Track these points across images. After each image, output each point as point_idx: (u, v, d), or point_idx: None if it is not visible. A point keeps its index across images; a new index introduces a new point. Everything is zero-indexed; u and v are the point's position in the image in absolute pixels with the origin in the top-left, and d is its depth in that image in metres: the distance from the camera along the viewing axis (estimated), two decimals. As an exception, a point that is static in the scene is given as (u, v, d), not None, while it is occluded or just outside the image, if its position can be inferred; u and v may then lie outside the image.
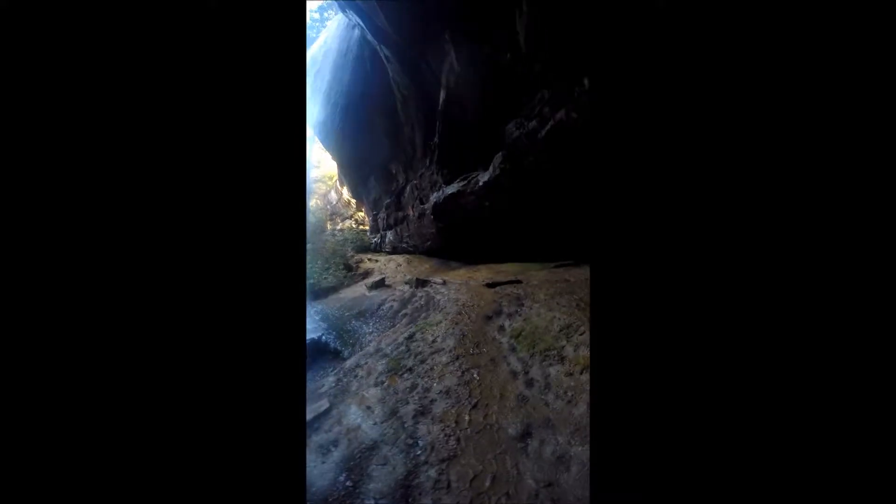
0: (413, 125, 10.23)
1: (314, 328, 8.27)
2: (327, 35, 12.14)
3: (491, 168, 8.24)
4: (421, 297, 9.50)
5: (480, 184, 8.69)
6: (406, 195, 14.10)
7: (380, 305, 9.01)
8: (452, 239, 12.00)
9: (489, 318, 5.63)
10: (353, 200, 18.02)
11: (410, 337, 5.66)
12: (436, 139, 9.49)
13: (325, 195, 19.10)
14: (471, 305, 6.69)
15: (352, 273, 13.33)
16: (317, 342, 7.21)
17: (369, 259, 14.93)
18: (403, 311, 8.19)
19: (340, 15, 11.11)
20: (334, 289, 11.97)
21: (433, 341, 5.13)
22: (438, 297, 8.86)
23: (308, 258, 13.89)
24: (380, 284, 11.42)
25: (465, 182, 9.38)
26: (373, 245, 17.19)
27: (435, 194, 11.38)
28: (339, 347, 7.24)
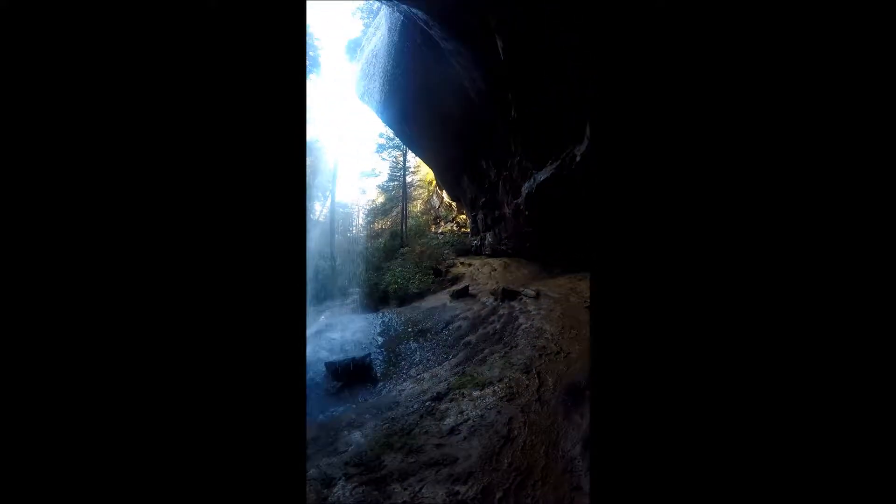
0: (490, 105, 7.66)
1: (369, 343, 6.63)
2: (375, 38, 10.39)
3: (588, 132, 5.05)
4: (501, 315, 6.85)
5: (578, 159, 5.54)
6: (500, 192, 11.51)
7: (447, 324, 6.78)
8: (552, 239, 8.91)
9: (575, 394, 2.70)
10: (454, 203, 16.34)
11: (437, 400, 3.25)
12: (513, 113, 6.68)
13: (428, 199, 18.05)
14: (554, 352, 3.80)
15: (441, 278, 11.52)
16: (360, 362, 5.54)
17: (463, 263, 12.96)
18: (467, 339, 5.75)
19: (383, 11, 9.24)
20: (419, 295, 10.35)
21: (451, 431, 2.58)
22: (521, 319, 6.07)
23: (399, 263, 12.76)
24: (463, 294, 9.21)
25: (559, 163, 6.33)
26: (473, 247, 15.16)
27: (526, 184, 8.58)
28: (378, 374, 5.36)
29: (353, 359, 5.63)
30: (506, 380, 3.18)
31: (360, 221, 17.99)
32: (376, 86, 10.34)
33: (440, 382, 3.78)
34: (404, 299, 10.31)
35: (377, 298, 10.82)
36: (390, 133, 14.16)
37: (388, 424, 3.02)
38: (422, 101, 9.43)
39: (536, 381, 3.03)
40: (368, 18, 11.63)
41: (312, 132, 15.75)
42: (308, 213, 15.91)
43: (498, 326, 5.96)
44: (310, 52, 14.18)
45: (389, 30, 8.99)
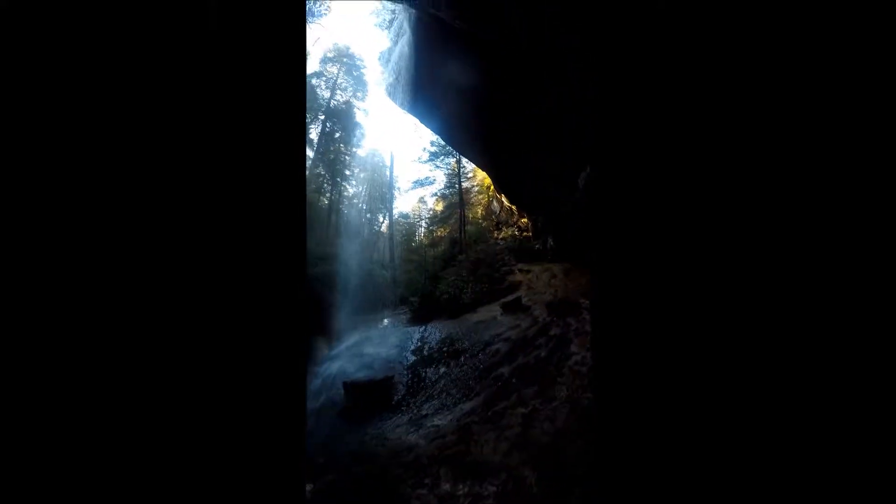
0: (520, 93, 6.15)
1: (399, 362, 5.76)
2: (401, 41, 9.52)
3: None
4: (551, 338, 5.25)
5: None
6: (557, 189, 9.69)
7: (486, 345, 5.46)
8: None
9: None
10: (514, 206, 14.74)
11: (410, 470, 2.08)
12: (547, 102, 5.11)
13: (487, 205, 16.68)
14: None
15: (496, 287, 10.14)
16: (379, 385, 4.86)
17: (521, 270, 11.36)
18: (500, 371, 4.37)
19: (400, 15, 8.36)
20: (471, 306, 9.17)
21: None
22: (573, 346, 4.43)
23: (454, 271, 11.74)
24: (514, 306, 7.70)
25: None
26: (536, 251, 13.37)
27: (582, 175, 6.80)
28: (396, 399, 4.52)
29: (372, 380, 4.80)
30: (504, 475, 1.83)
31: (423, 230, 17.64)
32: (403, 83, 9.64)
33: (433, 440, 2.65)
34: (455, 310, 9.24)
35: (430, 309, 9.98)
36: (441, 141, 13.47)
37: (345, 485, 2.09)
38: (450, 93, 8.35)
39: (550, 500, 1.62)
40: (391, 25, 11.20)
41: (369, 146, 15.94)
42: (373, 224, 16.12)
43: (542, 355, 4.44)
44: (353, 72, 14.43)
45: (409, 27, 8.24)
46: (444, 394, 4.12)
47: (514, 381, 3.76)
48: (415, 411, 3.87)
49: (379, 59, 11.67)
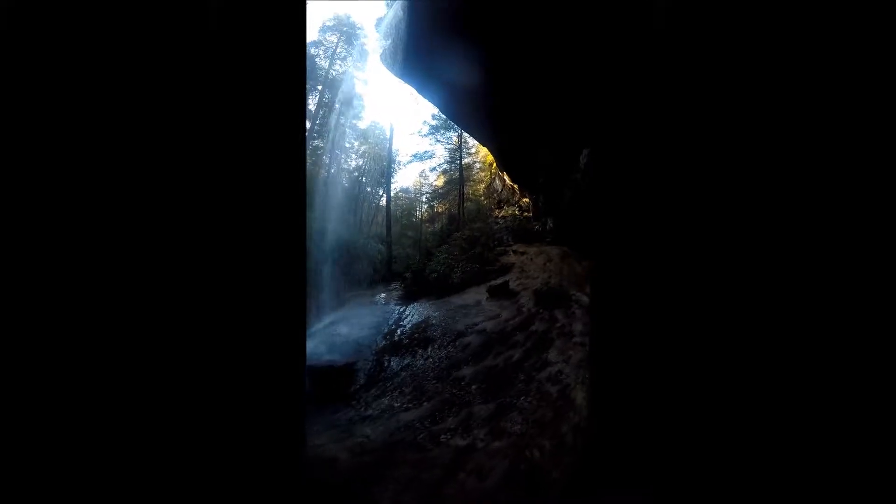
0: (516, 59, 5.11)
1: (368, 346, 5.30)
2: (393, 9, 8.17)
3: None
4: (531, 334, 4.59)
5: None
6: (559, 167, 8.68)
7: (458, 336, 4.88)
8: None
9: None
10: (516, 185, 13.69)
11: (310, 489, 1.54)
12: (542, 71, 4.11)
13: (489, 183, 15.61)
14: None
15: (488, 268, 9.47)
16: (339, 371, 4.33)
17: (516, 251, 10.62)
18: (462, 373, 3.78)
19: None
20: (460, 287, 8.59)
21: None
22: (552, 351, 3.79)
23: (447, 248, 11.07)
24: (501, 291, 7.04)
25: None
26: (535, 232, 12.48)
27: (585, 151, 5.88)
28: (356, 387, 4.13)
29: (332, 366, 4.34)
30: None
31: (424, 206, 16.83)
32: (397, 49, 8.45)
33: (353, 457, 2.13)
34: (444, 290, 8.67)
35: (420, 287, 9.43)
36: (443, 115, 12.32)
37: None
38: (447, 60, 7.17)
39: None
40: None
41: (369, 117, 14.85)
42: (373, 198, 15.38)
43: (515, 358, 3.82)
44: (352, 41, 13.12)
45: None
46: (398, 391, 3.59)
47: (472, 388, 3.18)
48: (361, 409, 3.38)
49: (376, 25, 10.40)
